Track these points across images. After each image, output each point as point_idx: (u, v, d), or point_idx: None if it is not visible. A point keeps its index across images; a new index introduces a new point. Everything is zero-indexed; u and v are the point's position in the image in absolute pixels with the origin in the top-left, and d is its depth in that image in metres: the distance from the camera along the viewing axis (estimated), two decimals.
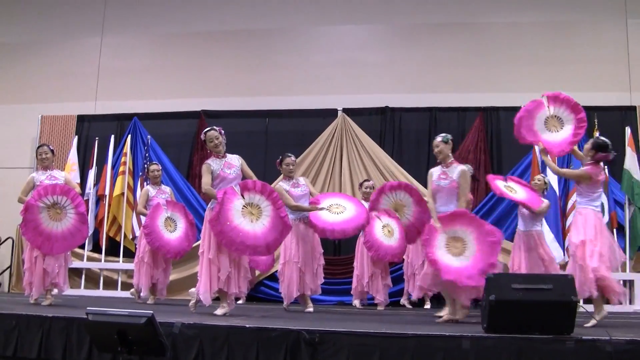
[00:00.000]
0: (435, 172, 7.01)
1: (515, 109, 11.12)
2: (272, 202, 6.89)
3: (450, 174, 6.90)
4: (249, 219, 6.75)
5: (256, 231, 6.72)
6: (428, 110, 11.61)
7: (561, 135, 7.16)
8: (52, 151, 8.55)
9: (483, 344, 4.74)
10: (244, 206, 6.80)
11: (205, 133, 7.43)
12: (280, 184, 8.53)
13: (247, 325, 5.10)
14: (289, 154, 8.77)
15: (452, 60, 11.91)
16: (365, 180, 10.28)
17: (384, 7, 12.36)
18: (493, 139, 11.34)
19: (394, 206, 8.64)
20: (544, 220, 9.31)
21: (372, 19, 12.44)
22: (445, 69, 11.88)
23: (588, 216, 6.66)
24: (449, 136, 7.11)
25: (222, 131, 7.53)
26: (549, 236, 10.00)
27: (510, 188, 8.71)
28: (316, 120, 11.83)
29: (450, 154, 7.00)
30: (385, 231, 8.96)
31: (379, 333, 4.92)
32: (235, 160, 7.40)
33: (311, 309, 8.23)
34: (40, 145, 8.69)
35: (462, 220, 6.65)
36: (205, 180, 7.09)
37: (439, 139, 7.04)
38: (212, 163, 7.19)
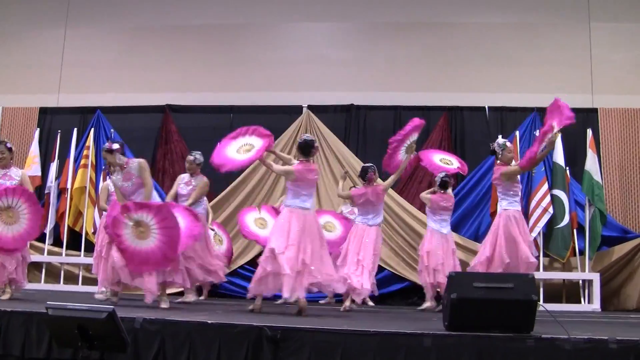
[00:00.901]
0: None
1: (480, 109, 11.37)
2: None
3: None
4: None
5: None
6: (393, 108, 11.67)
7: None
8: (10, 149, 8.12)
9: (444, 342, 4.78)
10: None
11: None
12: None
13: (210, 321, 5.08)
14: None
15: (418, 59, 11.98)
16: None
17: (351, 4, 12.38)
18: (457, 138, 11.43)
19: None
20: None
21: (339, 16, 12.45)
22: (411, 67, 11.94)
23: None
24: None
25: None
26: None
27: (447, 160, 9.25)
28: (281, 117, 11.80)
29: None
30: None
31: (342, 330, 4.93)
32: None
33: None
34: None
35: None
36: None
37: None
38: None
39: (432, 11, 12.11)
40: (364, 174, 8.64)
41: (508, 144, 7.56)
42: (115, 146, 7.46)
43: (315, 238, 7.07)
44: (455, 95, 11.57)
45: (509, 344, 4.72)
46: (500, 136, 10.56)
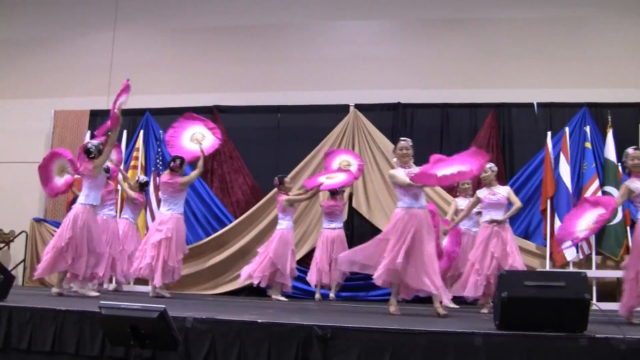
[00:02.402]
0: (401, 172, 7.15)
1: (528, 106, 11.21)
2: None
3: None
4: None
5: None
6: (440, 106, 11.58)
7: None
8: None
9: (495, 341, 4.72)
10: None
11: None
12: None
13: (259, 320, 5.09)
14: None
15: (465, 56, 11.86)
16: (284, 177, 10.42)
17: (396, 2, 12.34)
18: (505, 135, 11.28)
19: None
20: (557, 218, 9.34)
21: (385, 14, 12.41)
22: (458, 65, 11.83)
23: None
24: None
25: None
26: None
27: (330, 176, 9.78)
28: (328, 116, 11.82)
29: (412, 158, 7.28)
30: None
31: (391, 329, 4.91)
32: None
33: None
34: None
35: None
36: None
37: (410, 142, 7.27)
38: None
39: (478, 7, 12.00)
40: None
41: (629, 150, 6.95)
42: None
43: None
44: (503, 91, 11.42)
45: (561, 343, 4.66)
46: (549, 133, 10.49)
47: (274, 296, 9.75)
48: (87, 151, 8.43)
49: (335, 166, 10.20)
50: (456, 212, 9.21)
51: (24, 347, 5.50)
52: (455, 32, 11.97)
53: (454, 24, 12.01)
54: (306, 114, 11.98)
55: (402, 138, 7.34)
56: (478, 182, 9.10)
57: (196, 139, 9.70)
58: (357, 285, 10.59)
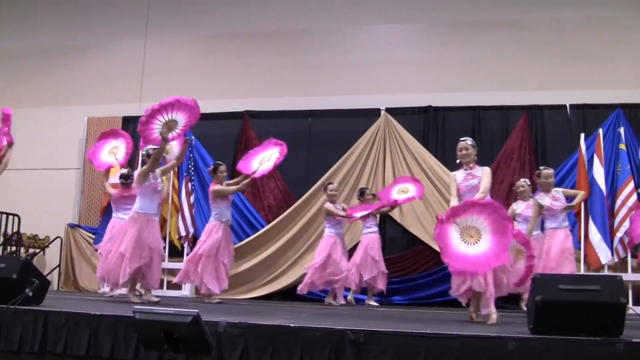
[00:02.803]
0: (459, 174, 6.95)
1: (560, 107, 11.10)
2: None
3: (476, 174, 6.84)
4: None
5: None
6: (471, 109, 11.51)
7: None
8: None
9: (529, 345, 4.67)
10: None
11: None
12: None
13: (292, 325, 5.10)
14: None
15: (495, 58, 11.79)
16: (329, 184, 10.40)
17: (425, 4, 12.31)
18: (537, 137, 11.18)
19: None
20: (590, 220, 9.27)
21: (415, 17, 12.39)
22: (488, 67, 11.77)
23: None
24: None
25: None
26: (596, 236, 9.88)
27: (404, 189, 9.98)
28: (359, 120, 11.81)
29: (475, 158, 6.98)
30: None
31: (424, 333, 4.88)
32: None
33: None
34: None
35: (473, 209, 6.43)
36: None
37: (469, 142, 7.00)
38: None
39: (508, 9, 11.91)
40: None
41: None
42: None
43: None
44: (535, 93, 11.33)
45: (597, 347, 4.59)
46: (582, 134, 10.40)
47: (334, 302, 9.86)
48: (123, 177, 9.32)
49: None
50: (513, 216, 9.28)
51: (59, 350, 5.56)
52: (486, 34, 11.90)
53: (485, 26, 11.94)
54: (337, 119, 11.98)
55: (461, 138, 7.16)
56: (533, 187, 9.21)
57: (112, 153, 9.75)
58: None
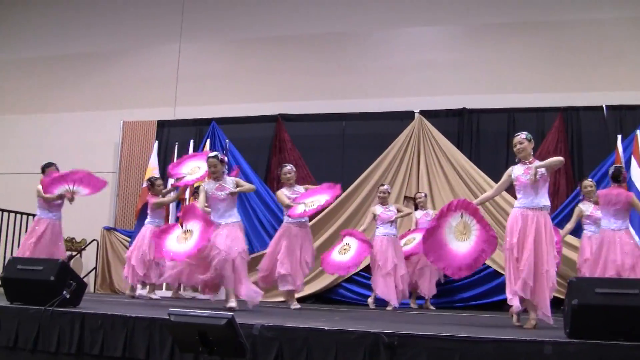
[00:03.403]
0: (517, 169, 6.75)
1: (597, 109, 10.96)
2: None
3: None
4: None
5: None
6: (506, 111, 11.40)
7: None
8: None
9: (566, 350, 4.62)
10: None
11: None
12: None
13: (326, 328, 5.10)
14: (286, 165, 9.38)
15: (530, 59, 11.68)
16: (380, 185, 10.43)
17: (459, 7, 12.24)
18: (574, 139, 11.05)
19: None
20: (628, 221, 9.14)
21: (448, 19, 12.33)
22: (523, 68, 11.67)
23: None
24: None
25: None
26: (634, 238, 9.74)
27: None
28: (393, 123, 11.77)
29: (532, 152, 6.81)
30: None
31: (459, 337, 4.85)
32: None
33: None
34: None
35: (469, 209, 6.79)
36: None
37: (523, 135, 6.77)
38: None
39: (543, 10, 11.79)
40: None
41: None
42: (226, 159, 8.05)
43: None
44: (570, 95, 11.18)
45: (635, 352, 4.53)
46: (619, 136, 10.26)
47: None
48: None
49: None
50: (581, 217, 9.28)
51: (96, 352, 5.62)
52: (520, 36, 11.79)
53: (518, 28, 11.83)
54: (371, 121, 11.95)
55: (516, 133, 6.96)
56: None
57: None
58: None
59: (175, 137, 12.76)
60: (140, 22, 13.93)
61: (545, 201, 6.52)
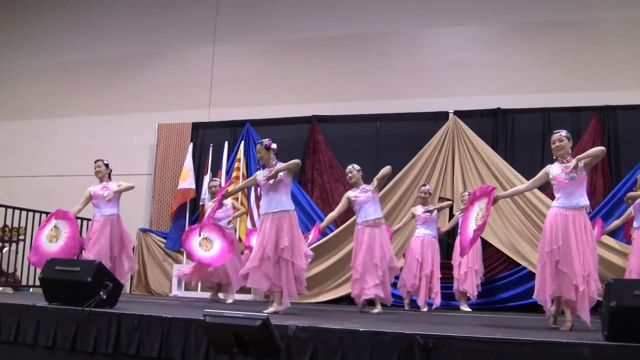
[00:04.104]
0: (555, 167, 6.59)
1: (634, 108, 10.80)
2: None
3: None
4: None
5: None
6: (541, 111, 11.29)
7: None
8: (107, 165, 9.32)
9: (604, 353, 4.55)
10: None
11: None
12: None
13: (361, 329, 5.09)
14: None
15: (564, 58, 11.55)
16: (422, 185, 10.41)
17: (493, 6, 12.15)
18: (611, 139, 10.90)
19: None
20: None
21: (482, 19, 12.24)
22: (559, 68, 11.54)
23: None
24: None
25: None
26: None
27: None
28: (427, 123, 11.73)
29: (570, 151, 6.67)
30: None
31: (494, 339, 4.81)
32: None
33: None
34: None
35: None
36: None
37: (563, 133, 6.59)
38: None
39: (578, 8, 11.65)
40: None
41: None
42: (274, 146, 7.78)
43: None
44: (607, 93, 11.02)
45: None
46: None
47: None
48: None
49: None
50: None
51: (132, 352, 5.67)
52: (556, 35, 11.67)
53: (553, 26, 11.70)
54: (405, 122, 11.92)
55: (554, 130, 6.75)
56: None
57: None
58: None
59: (209, 139, 12.83)
60: (175, 26, 14.04)
61: (585, 200, 6.40)
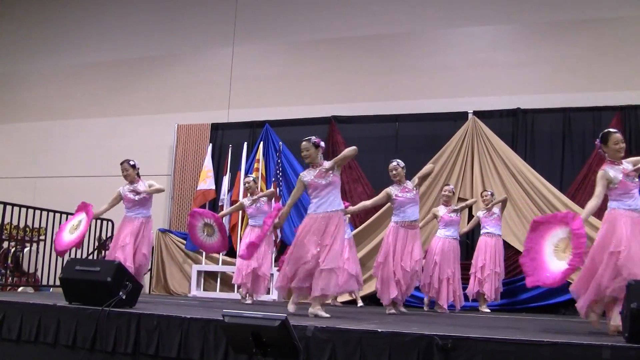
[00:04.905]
0: (613, 170, 6.10)
1: None
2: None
3: (626, 167, 6.11)
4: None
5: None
6: (561, 111, 11.23)
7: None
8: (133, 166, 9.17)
9: (625, 355, 4.50)
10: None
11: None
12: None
13: (380, 330, 5.07)
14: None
15: (585, 58, 11.48)
16: (445, 185, 10.42)
17: (513, 6, 12.10)
18: (632, 139, 10.79)
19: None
20: None
21: (501, 19, 12.19)
22: (578, 67, 11.47)
23: None
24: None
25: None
26: None
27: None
28: (447, 124, 11.70)
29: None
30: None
31: (515, 340, 4.78)
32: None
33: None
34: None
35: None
36: None
37: (619, 134, 6.21)
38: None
39: (598, 7, 11.57)
40: None
41: None
42: (322, 144, 7.46)
43: None
44: (628, 93, 10.94)
45: None
46: None
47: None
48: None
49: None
50: None
51: (151, 352, 5.69)
52: (574, 34, 11.60)
53: (572, 26, 11.64)
54: (424, 122, 11.90)
55: (612, 129, 6.30)
56: None
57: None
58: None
59: (229, 139, 12.87)
60: (194, 27, 14.11)
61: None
